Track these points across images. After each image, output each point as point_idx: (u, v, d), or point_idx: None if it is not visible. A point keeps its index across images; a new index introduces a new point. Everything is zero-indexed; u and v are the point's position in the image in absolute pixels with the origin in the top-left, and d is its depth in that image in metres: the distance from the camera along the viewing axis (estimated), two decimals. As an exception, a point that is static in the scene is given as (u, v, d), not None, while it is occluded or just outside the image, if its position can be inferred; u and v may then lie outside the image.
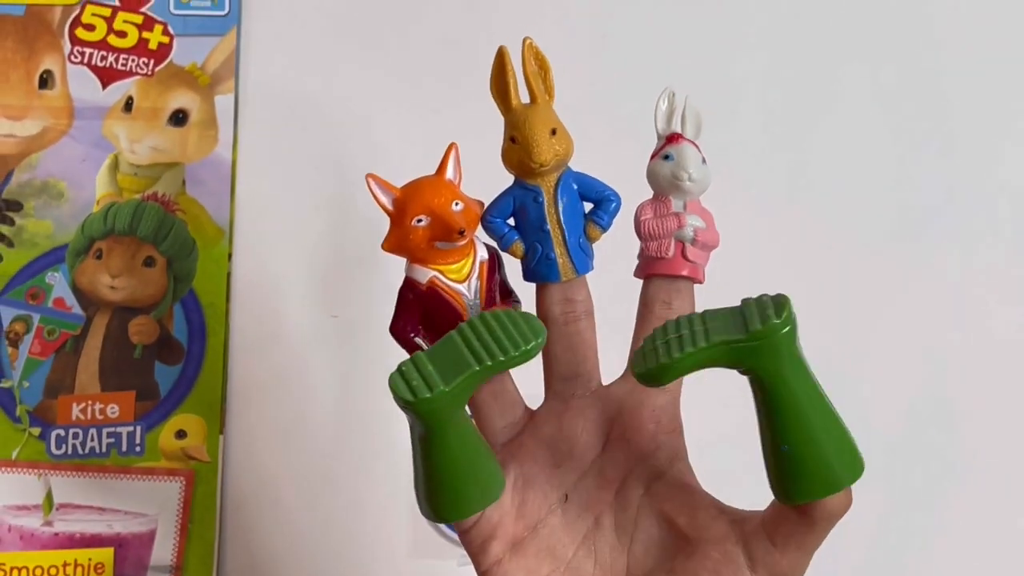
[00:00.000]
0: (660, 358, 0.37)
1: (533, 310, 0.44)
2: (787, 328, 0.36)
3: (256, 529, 0.69)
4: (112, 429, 0.70)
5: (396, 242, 0.43)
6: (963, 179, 0.74)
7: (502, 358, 0.37)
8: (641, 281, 0.45)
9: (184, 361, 0.71)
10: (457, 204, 0.42)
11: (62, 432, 0.70)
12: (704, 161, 0.43)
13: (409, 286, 0.43)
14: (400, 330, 0.44)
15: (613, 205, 0.44)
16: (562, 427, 0.44)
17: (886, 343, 0.71)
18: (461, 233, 0.42)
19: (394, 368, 0.37)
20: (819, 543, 0.39)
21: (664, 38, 0.75)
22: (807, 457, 0.37)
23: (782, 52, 0.75)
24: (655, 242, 0.43)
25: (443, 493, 0.40)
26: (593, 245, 0.44)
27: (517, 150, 0.42)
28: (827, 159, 0.74)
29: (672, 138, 0.44)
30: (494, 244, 0.45)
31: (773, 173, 0.74)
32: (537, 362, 0.44)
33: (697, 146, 0.44)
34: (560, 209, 0.43)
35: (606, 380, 0.45)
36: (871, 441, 0.41)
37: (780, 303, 0.36)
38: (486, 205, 0.44)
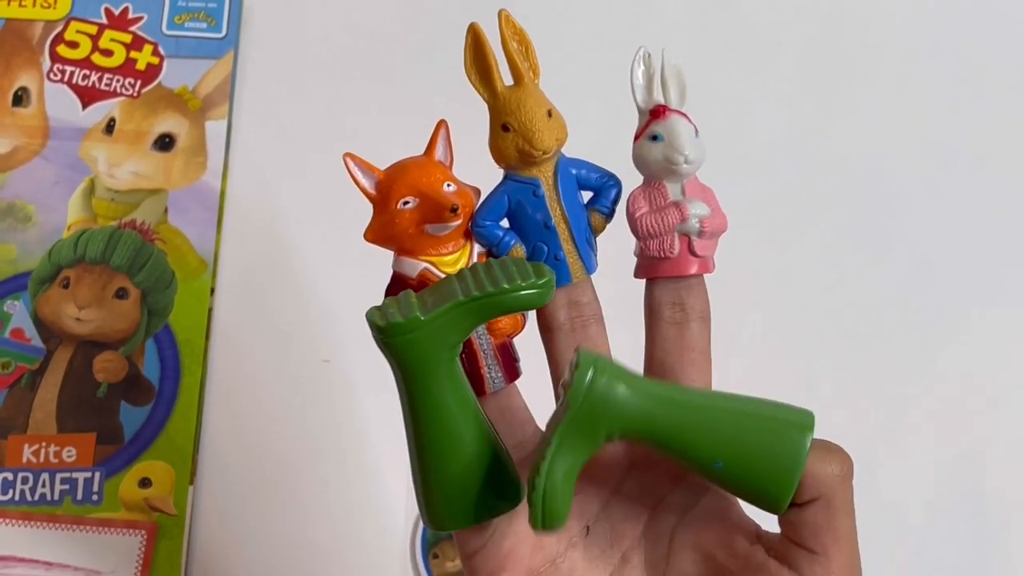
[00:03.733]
0: (535, 495, 0.33)
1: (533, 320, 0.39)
2: (596, 365, 0.33)
3: (224, 594, 0.62)
4: (67, 474, 0.63)
5: (380, 230, 0.37)
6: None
7: (492, 289, 0.33)
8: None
9: (154, 402, 0.65)
10: (449, 185, 0.37)
11: (10, 476, 0.63)
12: (697, 133, 0.38)
13: (397, 282, 0.38)
14: None
15: (616, 191, 0.39)
16: None
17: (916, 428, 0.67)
18: (454, 211, 0.36)
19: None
20: (850, 519, 0.34)
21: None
22: (744, 455, 0.33)
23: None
24: (656, 240, 0.38)
25: (442, 485, 0.35)
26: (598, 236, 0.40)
27: (513, 138, 0.37)
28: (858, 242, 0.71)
29: (657, 112, 0.38)
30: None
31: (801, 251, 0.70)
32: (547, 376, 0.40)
33: (686, 116, 0.38)
34: (563, 201, 0.38)
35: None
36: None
37: (572, 363, 0.33)
38: (477, 204, 0.39)
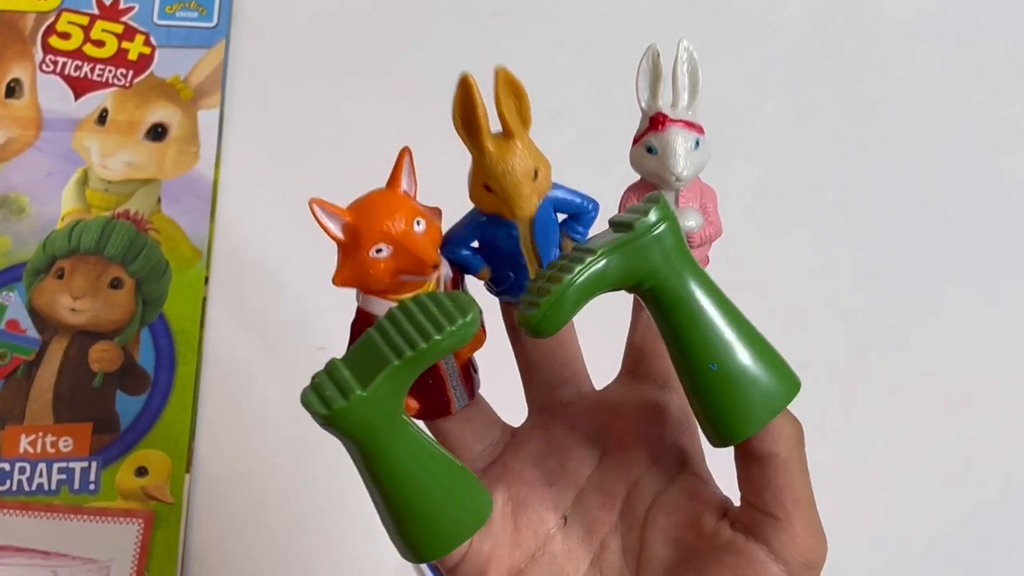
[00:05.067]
0: (551, 290, 0.32)
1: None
2: (669, 218, 0.32)
3: (221, 581, 0.63)
4: (64, 464, 0.63)
5: (352, 275, 0.35)
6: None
7: (424, 345, 0.31)
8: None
9: (149, 392, 0.65)
10: (419, 223, 0.35)
11: (7, 466, 0.63)
12: (698, 144, 0.36)
13: (364, 320, 0.36)
14: None
15: (592, 216, 0.37)
16: (550, 441, 0.39)
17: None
18: (435, 267, 0.35)
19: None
20: (808, 483, 0.35)
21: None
22: (740, 371, 0.33)
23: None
24: None
25: (414, 525, 0.34)
26: None
27: (492, 199, 0.35)
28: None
29: (656, 122, 0.36)
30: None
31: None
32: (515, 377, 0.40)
33: (689, 124, 0.36)
34: (537, 240, 0.36)
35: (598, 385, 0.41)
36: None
37: (654, 198, 0.33)
38: (444, 232, 0.37)
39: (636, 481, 0.38)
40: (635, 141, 0.37)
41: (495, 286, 0.38)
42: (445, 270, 0.37)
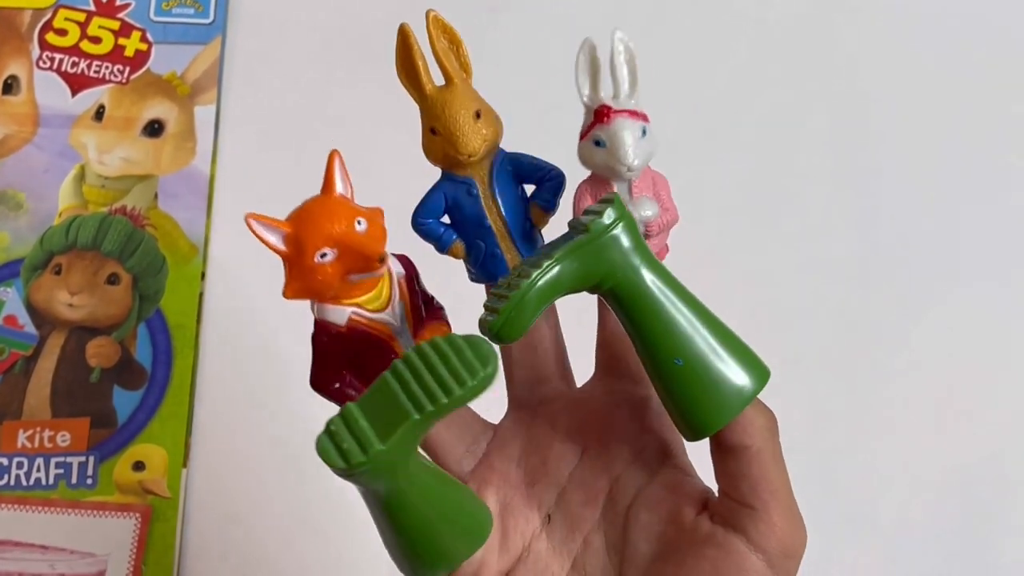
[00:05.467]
0: (511, 296, 0.32)
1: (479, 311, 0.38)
2: (624, 218, 0.33)
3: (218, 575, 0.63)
4: (62, 459, 0.64)
5: (300, 286, 0.35)
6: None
7: (445, 400, 0.31)
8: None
9: (147, 386, 0.65)
10: (359, 222, 0.34)
11: (5, 461, 0.64)
12: (645, 132, 0.36)
13: (323, 330, 0.36)
14: (324, 384, 0.37)
15: (557, 183, 0.38)
16: (531, 439, 0.39)
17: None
18: (382, 260, 0.34)
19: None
20: (784, 472, 0.35)
21: None
22: (706, 364, 0.33)
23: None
24: None
25: (421, 551, 0.35)
26: (543, 230, 0.39)
27: (439, 141, 0.36)
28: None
29: (600, 114, 0.36)
30: (403, 252, 0.38)
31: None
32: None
33: (635, 113, 0.36)
34: (498, 199, 0.37)
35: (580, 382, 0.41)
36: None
37: (609, 199, 0.33)
38: (414, 207, 0.38)
39: (618, 477, 0.38)
40: (582, 136, 0.37)
41: (471, 262, 0.38)
42: (397, 267, 0.37)
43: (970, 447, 0.66)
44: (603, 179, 0.37)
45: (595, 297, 0.40)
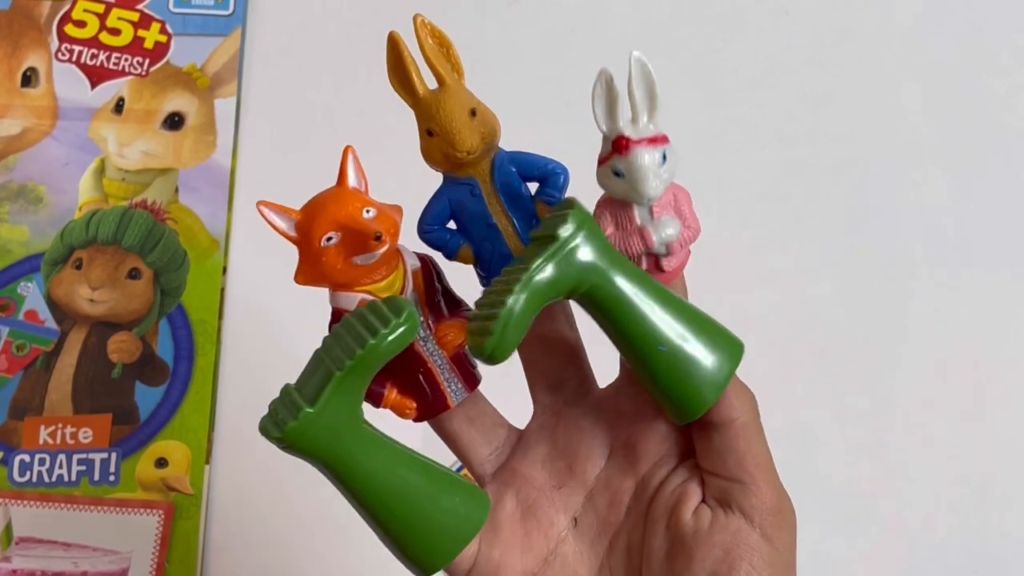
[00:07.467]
0: (498, 316, 0.32)
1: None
2: (586, 223, 0.34)
3: (242, 572, 0.62)
4: (84, 455, 0.63)
5: (310, 271, 0.36)
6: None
7: (361, 351, 0.32)
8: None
9: (168, 382, 0.65)
10: (368, 211, 0.35)
11: (27, 457, 0.63)
12: (665, 157, 0.35)
13: (338, 319, 0.36)
14: None
15: (561, 178, 0.37)
16: (557, 443, 0.39)
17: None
18: (378, 238, 0.34)
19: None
20: (767, 449, 0.36)
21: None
22: (688, 345, 0.35)
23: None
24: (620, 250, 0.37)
25: (407, 538, 0.35)
26: None
27: (437, 142, 0.36)
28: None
29: (619, 145, 0.35)
30: (428, 252, 0.38)
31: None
32: (521, 377, 0.39)
33: (654, 140, 0.35)
34: (502, 197, 0.37)
35: (603, 383, 0.40)
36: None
37: (566, 202, 0.34)
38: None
39: (642, 478, 0.38)
40: (600, 162, 0.36)
41: (481, 266, 0.38)
42: (411, 260, 0.37)
43: (994, 447, 0.65)
44: (624, 204, 0.36)
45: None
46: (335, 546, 0.63)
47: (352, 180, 0.37)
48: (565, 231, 0.33)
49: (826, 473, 0.64)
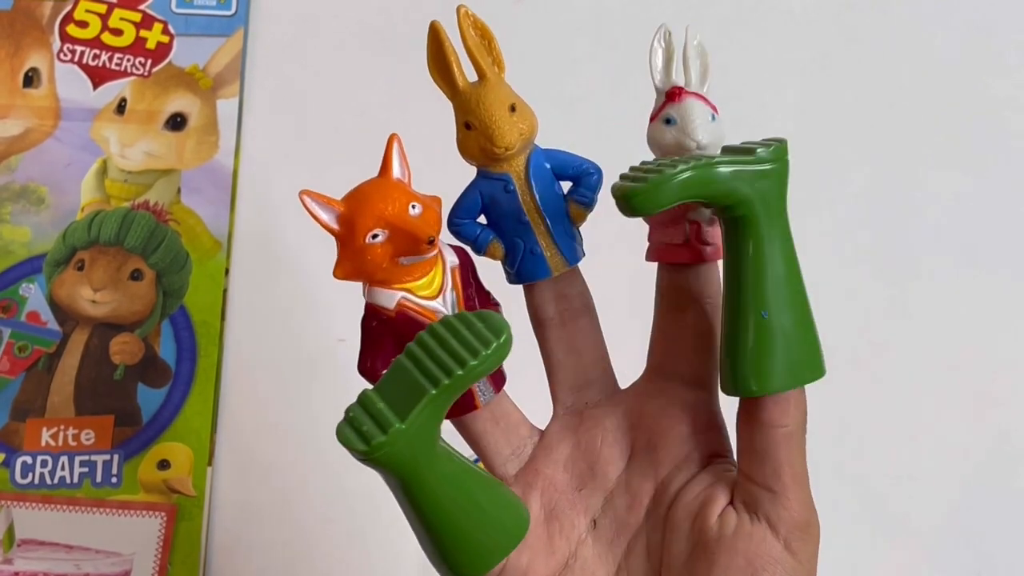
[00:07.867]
0: (663, 171, 0.32)
1: (524, 313, 0.38)
2: (786, 163, 0.33)
3: (244, 574, 0.62)
4: (86, 457, 0.63)
5: (351, 266, 0.35)
6: None
7: (460, 372, 0.30)
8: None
9: (171, 384, 0.65)
10: (414, 207, 0.34)
11: (29, 459, 0.63)
12: (714, 117, 0.36)
13: (373, 314, 0.36)
14: (371, 369, 0.36)
15: (595, 178, 0.37)
16: (579, 444, 0.39)
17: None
18: (431, 242, 0.34)
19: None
20: (805, 462, 0.36)
21: None
22: (787, 330, 0.34)
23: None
24: (661, 227, 0.37)
25: (454, 547, 0.34)
26: (581, 228, 0.38)
27: (475, 136, 0.36)
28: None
29: (672, 94, 0.36)
30: (462, 245, 0.38)
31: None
32: (542, 375, 0.39)
33: (704, 99, 0.36)
34: (536, 194, 0.37)
35: (623, 384, 0.40)
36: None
37: (778, 139, 0.34)
38: (450, 206, 0.37)
39: (662, 481, 0.38)
40: (652, 119, 0.37)
41: (509, 262, 0.38)
42: (451, 258, 0.37)
43: (996, 446, 0.65)
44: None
45: (635, 301, 0.40)
46: (339, 549, 0.63)
47: (396, 171, 0.36)
48: (764, 152, 0.33)
49: (830, 473, 0.63)
